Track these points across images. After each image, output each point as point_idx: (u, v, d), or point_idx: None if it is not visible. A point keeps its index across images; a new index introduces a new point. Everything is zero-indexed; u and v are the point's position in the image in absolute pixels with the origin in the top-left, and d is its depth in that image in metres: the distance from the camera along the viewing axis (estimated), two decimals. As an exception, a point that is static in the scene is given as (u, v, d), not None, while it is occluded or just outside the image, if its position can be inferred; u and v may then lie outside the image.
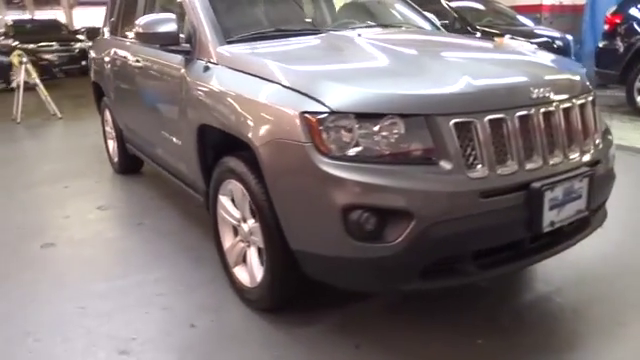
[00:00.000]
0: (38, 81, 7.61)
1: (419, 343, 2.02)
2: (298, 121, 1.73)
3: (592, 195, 1.98)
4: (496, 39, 2.77)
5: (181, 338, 2.09)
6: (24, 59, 7.43)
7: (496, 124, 1.75)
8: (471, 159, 1.72)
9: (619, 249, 2.81)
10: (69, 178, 4.40)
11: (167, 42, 2.51)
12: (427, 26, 3.10)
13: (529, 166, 1.81)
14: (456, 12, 8.16)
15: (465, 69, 1.94)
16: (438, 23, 3.32)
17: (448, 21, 8.09)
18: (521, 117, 1.79)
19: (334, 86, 1.76)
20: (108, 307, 2.33)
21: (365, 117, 1.69)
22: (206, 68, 2.35)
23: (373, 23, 2.82)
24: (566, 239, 2.07)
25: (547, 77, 1.98)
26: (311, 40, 2.43)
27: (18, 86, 7.50)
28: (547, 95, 1.86)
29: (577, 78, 2.10)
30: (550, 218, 1.84)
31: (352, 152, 1.69)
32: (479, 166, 1.72)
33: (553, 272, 2.55)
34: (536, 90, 1.83)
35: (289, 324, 2.16)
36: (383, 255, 1.69)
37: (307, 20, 2.91)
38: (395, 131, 1.69)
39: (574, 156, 1.95)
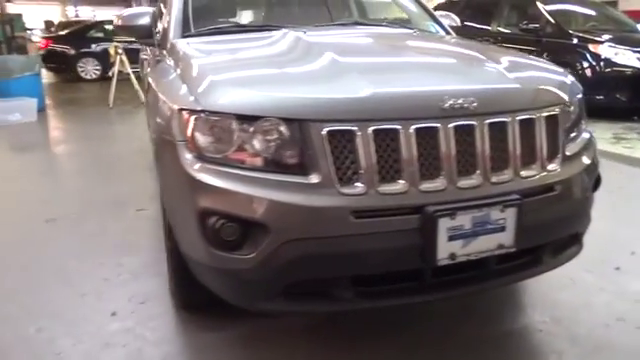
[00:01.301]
0: (130, 71, 8.30)
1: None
2: (176, 117, 1.66)
3: (524, 229, 1.65)
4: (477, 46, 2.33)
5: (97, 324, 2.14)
6: (119, 50, 8.14)
7: (385, 136, 1.52)
8: (348, 173, 1.52)
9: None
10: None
11: (141, 35, 2.57)
12: (427, 26, 2.83)
13: (426, 187, 1.56)
14: (551, 15, 7.44)
15: (375, 74, 1.72)
16: (447, 23, 2.99)
17: (539, 24, 7.43)
18: (421, 130, 1.54)
19: (216, 84, 1.65)
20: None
21: (240, 119, 1.56)
22: (157, 61, 2.36)
23: (349, 21, 2.61)
24: (494, 277, 1.76)
25: (473, 87, 1.68)
26: (255, 37, 2.31)
27: (113, 75, 8.26)
28: (466, 107, 1.58)
29: (529, 90, 1.76)
30: (450, 250, 1.57)
31: (222, 154, 1.57)
32: (356, 182, 1.51)
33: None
34: (451, 101, 1.57)
35: (199, 326, 2.10)
36: (240, 268, 1.56)
37: (280, 15, 2.79)
38: (269, 136, 1.54)
39: (501, 180, 1.65)
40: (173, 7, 2.53)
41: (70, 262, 2.71)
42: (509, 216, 1.62)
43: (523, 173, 1.68)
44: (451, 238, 1.56)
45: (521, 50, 7.55)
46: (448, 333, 2.07)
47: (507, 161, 1.66)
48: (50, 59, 12.39)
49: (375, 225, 1.53)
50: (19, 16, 11.08)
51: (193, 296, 1.96)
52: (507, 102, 1.67)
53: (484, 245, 1.61)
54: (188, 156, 1.60)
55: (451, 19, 3.15)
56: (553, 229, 1.81)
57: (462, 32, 8.75)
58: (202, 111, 1.58)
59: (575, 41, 7.04)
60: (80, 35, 13.00)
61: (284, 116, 1.52)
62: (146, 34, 2.56)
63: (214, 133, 1.57)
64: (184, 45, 2.19)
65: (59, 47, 12.56)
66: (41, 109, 7.78)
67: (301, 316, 2.13)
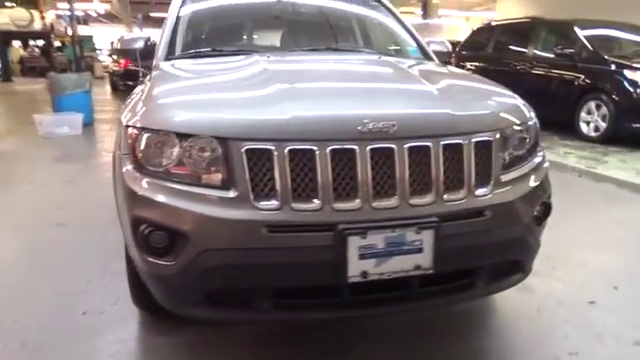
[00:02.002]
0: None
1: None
2: (123, 133, 1.82)
3: (445, 251, 1.67)
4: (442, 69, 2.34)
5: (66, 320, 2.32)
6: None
7: (302, 155, 1.61)
8: (265, 189, 1.61)
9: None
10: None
11: (134, 58, 2.78)
12: (407, 52, 2.89)
13: (340, 206, 1.62)
14: (588, 40, 7.24)
15: (305, 99, 1.82)
16: (438, 48, 3.05)
17: (574, 49, 7.25)
18: (337, 151, 1.61)
19: (159, 106, 1.80)
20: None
21: (172, 136, 1.68)
22: (141, 82, 2.55)
23: (321, 47, 2.71)
24: (419, 298, 1.79)
25: (395, 112, 1.73)
26: (223, 61, 2.45)
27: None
28: (385, 130, 1.64)
29: (459, 116, 1.78)
30: (361, 268, 1.62)
31: (156, 168, 1.70)
32: (270, 197, 1.60)
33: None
34: (370, 124, 1.63)
35: (158, 330, 2.22)
36: (167, 273, 1.68)
37: (260, 40, 2.93)
38: (195, 153, 1.66)
39: (420, 203, 1.68)
40: (164, 31, 2.74)
41: (61, 263, 2.92)
42: (426, 238, 1.65)
43: (446, 197, 1.71)
44: (362, 256, 1.61)
45: (557, 76, 7.62)
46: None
47: (429, 184, 1.69)
48: (128, 77, 12.99)
49: (288, 240, 1.60)
50: (89, 37, 11.90)
51: (144, 299, 2.09)
52: (431, 127, 1.71)
53: (399, 265, 1.65)
54: (127, 168, 1.74)
55: (443, 45, 3.19)
56: (483, 254, 1.82)
57: (498, 56, 8.67)
58: (142, 128, 1.72)
59: (612, 67, 6.81)
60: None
61: (209, 134, 1.63)
62: (140, 57, 2.77)
63: (149, 148, 1.70)
64: (161, 67, 2.38)
65: (134, 67, 13.23)
66: (89, 123, 8.36)
67: (226, 324, 2.22)
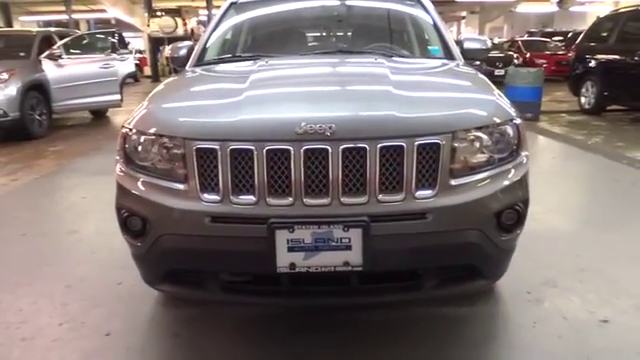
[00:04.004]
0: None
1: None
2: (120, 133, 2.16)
3: (377, 250, 1.74)
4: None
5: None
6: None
7: (241, 154, 1.78)
8: (211, 183, 1.82)
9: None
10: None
11: (180, 64, 3.15)
12: (426, 51, 2.87)
13: (274, 201, 1.77)
14: None
15: (263, 103, 1.98)
16: (473, 46, 2.97)
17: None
18: (273, 151, 1.76)
19: (145, 109, 2.09)
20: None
21: (148, 136, 1.95)
22: None
23: (332, 49, 2.81)
24: (358, 294, 1.86)
25: (334, 114, 1.81)
26: (231, 68, 2.69)
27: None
28: (321, 132, 1.75)
29: (403, 118, 1.80)
30: (290, 260, 1.75)
31: (136, 163, 1.99)
32: (214, 192, 1.81)
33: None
34: (307, 126, 1.75)
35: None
36: (139, 253, 1.98)
37: (276, 43, 3.10)
38: (164, 151, 1.92)
39: (352, 202, 1.76)
40: (200, 40, 3.09)
41: (46, 269, 2.94)
42: (354, 236, 1.73)
43: (382, 198, 1.76)
44: (291, 249, 1.74)
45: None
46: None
47: (363, 185, 1.76)
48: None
49: (228, 230, 1.80)
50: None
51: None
52: (369, 129, 1.77)
53: (327, 260, 1.75)
54: (121, 162, 2.07)
55: (481, 42, 3.10)
56: (426, 257, 1.83)
57: (622, 47, 7.80)
58: (128, 128, 2.04)
59: None
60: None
61: (172, 135, 1.89)
62: (184, 63, 3.14)
63: (129, 146, 2.01)
64: (178, 74, 2.72)
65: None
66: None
67: (187, 300, 2.35)
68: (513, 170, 1.95)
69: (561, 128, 7.68)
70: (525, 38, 18.66)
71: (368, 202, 1.76)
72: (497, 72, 13.18)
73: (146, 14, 20.54)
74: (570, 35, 18.43)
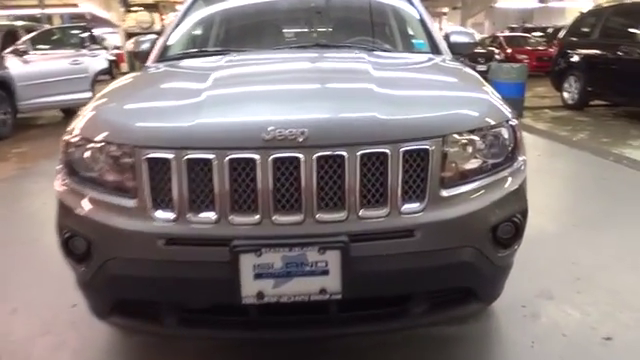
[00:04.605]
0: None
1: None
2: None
3: (358, 275, 1.50)
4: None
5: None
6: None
7: (199, 165, 1.53)
8: (164, 199, 1.56)
9: None
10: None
11: (142, 59, 2.87)
12: (408, 45, 2.64)
13: (237, 219, 1.52)
14: None
15: (225, 104, 1.72)
16: (461, 40, 2.76)
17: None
18: (236, 161, 1.51)
19: (85, 113, 1.81)
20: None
21: (86, 142, 1.67)
22: None
23: (309, 43, 2.55)
24: (337, 324, 1.63)
25: (306, 117, 1.56)
26: (194, 64, 2.40)
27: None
28: (292, 138, 1.50)
29: (387, 120, 1.56)
30: (257, 288, 1.50)
31: (76, 174, 1.71)
32: (168, 209, 1.55)
33: None
34: (275, 132, 1.50)
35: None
36: (82, 280, 1.71)
37: (250, 36, 2.84)
38: (113, 161, 1.65)
39: (329, 219, 1.52)
40: (164, 33, 2.81)
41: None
42: (332, 259, 1.49)
43: (363, 213, 1.53)
44: (258, 276, 1.50)
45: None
46: None
47: (341, 199, 1.52)
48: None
49: (184, 254, 1.55)
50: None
51: None
52: (348, 134, 1.53)
53: (301, 287, 1.51)
54: (63, 172, 1.79)
55: (469, 36, 2.89)
56: (415, 280, 1.60)
57: (606, 42, 7.70)
58: (71, 135, 1.76)
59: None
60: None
61: (116, 141, 1.62)
62: (146, 59, 2.85)
63: (75, 155, 1.72)
64: (134, 72, 2.44)
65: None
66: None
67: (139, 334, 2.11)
68: (510, 177, 1.73)
69: (545, 124, 7.55)
70: (506, 34, 18.60)
71: (347, 219, 1.52)
72: (479, 67, 13.04)
73: (122, 9, 19.98)
74: (550, 31, 18.48)
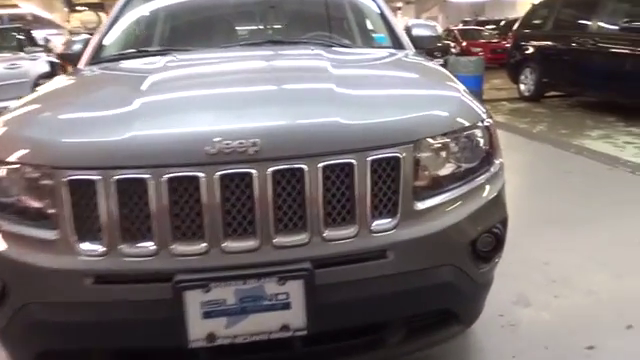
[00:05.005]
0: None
1: None
2: None
3: (322, 307, 1.30)
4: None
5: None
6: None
7: (132, 186, 1.28)
8: (90, 229, 1.30)
9: None
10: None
11: (73, 62, 2.57)
12: (366, 40, 2.45)
13: (181, 249, 1.28)
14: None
15: (160, 114, 1.46)
16: (422, 33, 2.59)
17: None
18: (175, 180, 1.27)
19: (2, 124, 1.53)
20: None
21: (13, 165, 1.38)
22: None
23: (262, 40, 2.32)
24: None
25: (259, 125, 1.34)
26: (135, 64, 2.12)
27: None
28: (242, 151, 1.28)
29: (351, 125, 1.36)
30: (207, 329, 1.28)
31: None
32: (96, 240, 1.30)
33: None
34: (222, 144, 1.27)
35: None
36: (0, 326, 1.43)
37: (196, 34, 2.58)
38: (30, 185, 1.37)
39: (289, 244, 1.31)
40: (98, 31, 2.52)
41: None
42: (294, 290, 1.28)
43: (328, 234, 1.32)
44: (208, 315, 1.27)
45: (626, 52, 6.62)
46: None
47: (302, 219, 1.31)
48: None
49: (118, 293, 1.30)
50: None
51: None
52: (307, 143, 1.32)
53: (259, 325, 1.30)
54: None
55: (431, 29, 2.72)
56: (390, 307, 1.41)
57: (559, 34, 7.79)
58: None
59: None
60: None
61: (32, 162, 1.35)
62: (71, 61, 2.55)
63: None
64: (60, 76, 2.15)
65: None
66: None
67: None
68: (488, 184, 1.56)
69: (504, 117, 7.56)
70: (461, 27, 18.82)
71: (310, 242, 1.31)
72: (436, 61, 13.10)
73: (66, 9, 19.12)
74: (503, 23, 18.80)
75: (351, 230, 1.34)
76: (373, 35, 2.61)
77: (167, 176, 1.27)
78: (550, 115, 7.51)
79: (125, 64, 2.12)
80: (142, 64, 2.04)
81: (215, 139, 1.28)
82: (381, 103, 1.55)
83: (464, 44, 15.92)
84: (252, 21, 2.76)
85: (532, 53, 8.63)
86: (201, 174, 1.27)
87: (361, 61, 2.14)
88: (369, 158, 1.34)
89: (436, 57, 13.74)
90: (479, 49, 15.13)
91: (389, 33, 2.53)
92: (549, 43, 8.26)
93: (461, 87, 1.76)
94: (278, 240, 1.30)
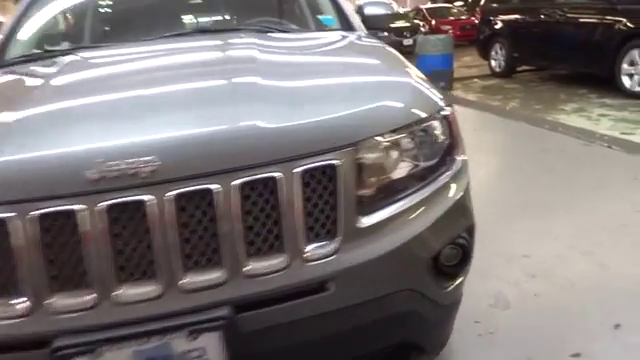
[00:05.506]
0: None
1: None
2: None
3: (247, 358, 1.04)
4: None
5: None
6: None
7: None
8: (-55, 285, 1.02)
9: None
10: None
11: None
12: (307, 23, 2.17)
13: (61, 304, 1.01)
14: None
15: (38, 132, 1.15)
16: (367, 12, 2.32)
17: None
18: (48, 216, 0.99)
19: None
20: None
21: None
22: None
23: (189, 30, 2.02)
24: None
25: (152, 137, 1.06)
26: (32, 68, 1.79)
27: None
28: (133, 173, 1.00)
29: (274, 130, 1.09)
30: (101, 402, 1.00)
31: None
32: None
33: None
34: (105, 166, 0.99)
35: None
36: None
37: (115, 29, 2.26)
38: None
39: (201, 285, 1.04)
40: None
41: None
42: (211, 345, 1.02)
43: (251, 268, 1.06)
44: (100, 386, 1.00)
45: (593, 22, 6.44)
46: None
47: (216, 252, 1.05)
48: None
49: None
50: None
51: None
52: (216, 157, 1.04)
53: (170, 392, 1.03)
54: None
55: (386, 7, 2.45)
56: (336, 348, 1.16)
57: (525, 6, 7.58)
58: None
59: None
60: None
61: None
62: None
63: None
64: None
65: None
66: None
67: None
68: (451, 186, 1.31)
69: (476, 95, 7.35)
70: (429, 5, 18.55)
71: (228, 280, 1.05)
72: (406, 42, 12.76)
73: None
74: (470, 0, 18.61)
75: (280, 260, 1.07)
76: (319, 17, 2.33)
77: (35, 213, 0.98)
78: (523, 91, 7.33)
79: (22, 69, 1.80)
80: (39, 68, 1.72)
81: (97, 160, 1.00)
82: (315, 98, 1.28)
83: (433, 23, 15.65)
84: (179, 9, 2.43)
85: (501, 28, 8.43)
86: (79, 207, 0.99)
87: (300, 48, 1.86)
88: (297, 169, 1.07)
89: (405, 37, 13.51)
90: (449, 27, 14.90)
91: (337, 14, 2.25)
92: (517, 16, 8.07)
93: (414, 72, 1.50)
94: (186, 282, 1.03)
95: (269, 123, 1.10)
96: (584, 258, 2.44)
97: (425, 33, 13.18)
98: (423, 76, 1.52)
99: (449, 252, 1.29)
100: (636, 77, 5.84)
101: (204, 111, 1.17)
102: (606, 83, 6.28)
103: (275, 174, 1.06)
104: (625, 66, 5.93)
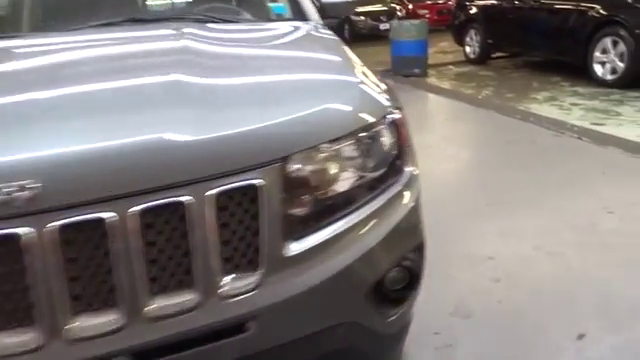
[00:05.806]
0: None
1: None
2: None
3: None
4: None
5: None
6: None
7: None
8: None
9: None
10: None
11: None
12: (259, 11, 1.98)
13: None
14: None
15: None
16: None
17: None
18: None
19: None
20: None
21: None
22: None
23: (120, 19, 1.81)
24: None
25: (33, 155, 0.88)
26: None
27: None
28: (11, 201, 0.83)
29: (191, 144, 0.93)
30: None
31: None
32: None
33: None
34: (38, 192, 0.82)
35: None
36: None
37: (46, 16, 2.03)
38: None
39: (91, 332, 0.88)
40: None
41: None
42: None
43: (155, 308, 0.90)
44: None
45: (566, 8, 6.36)
46: None
47: (112, 291, 0.89)
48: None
49: None
50: None
51: None
52: (109, 180, 0.88)
53: None
54: None
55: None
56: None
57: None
58: None
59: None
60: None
61: None
62: None
63: None
64: None
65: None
66: None
67: None
68: (397, 201, 1.17)
69: (450, 82, 7.23)
70: (406, -11, 18.31)
71: (127, 324, 0.89)
72: (382, 26, 12.56)
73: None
74: (448, -17, 18.41)
75: (189, 298, 0.92)
76: (269, 5, 2.14)
77: None
78: (496, 78, 7.23)
79: None
80: None
81: (28, 184, 0.83)
82: (244, 101, 1.11)
83: (410, 7, 15.45)
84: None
85: (476, 13, 8.30)
86: (29, 233, 0.82)
87: (239, 41, 1.68)
88: (210, 192, 0.92)
89: (382, 22, 13.29)
90: (425, 11, 14.71)
91: (289, 1, 2.07)
92: (492, 2, 7.95)
93: (360, 71, 1.34)
94: (74, 329, 0.87)
95: (179, 135, 0.94)
96: (551, 260, 2.35)
97: (401, 17, 13.00)
98: (372, 74, 1.37)
99: (395, 275, 1.15)
100: (608, 65, 5.78)
101: (105, 119, 1.00)
102: (579, 71, 6.22)
103: (183, 198, 0.90)
104: (597, 54, 5.87)
